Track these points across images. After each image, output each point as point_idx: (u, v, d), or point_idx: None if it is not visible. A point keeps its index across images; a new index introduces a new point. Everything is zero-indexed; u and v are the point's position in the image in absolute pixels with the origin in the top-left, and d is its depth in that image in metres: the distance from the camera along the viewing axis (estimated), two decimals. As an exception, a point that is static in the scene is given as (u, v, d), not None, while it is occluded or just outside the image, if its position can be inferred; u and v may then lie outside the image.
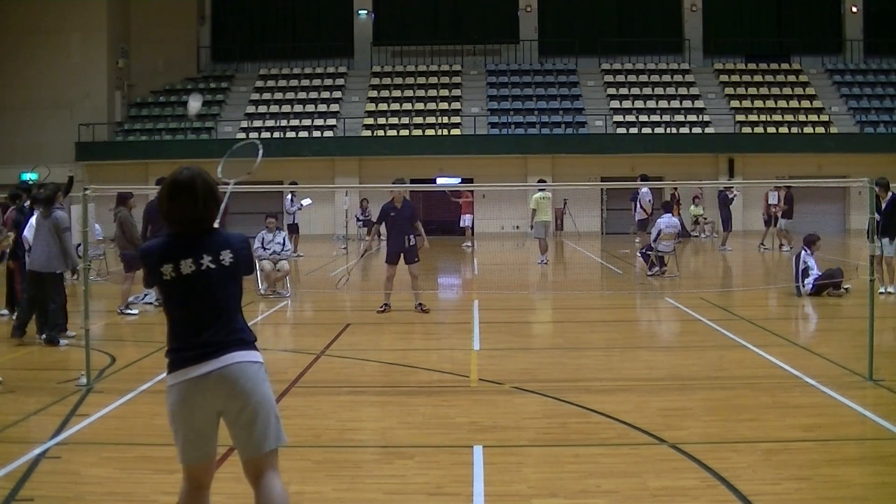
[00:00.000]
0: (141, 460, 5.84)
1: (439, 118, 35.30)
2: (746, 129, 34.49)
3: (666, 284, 16.32)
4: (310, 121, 35.32)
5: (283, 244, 14.95)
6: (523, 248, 25.63)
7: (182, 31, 38.55)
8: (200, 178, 3.94)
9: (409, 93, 36.63)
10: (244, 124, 35.21)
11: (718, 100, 36.35)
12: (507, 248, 27.72)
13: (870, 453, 6.12)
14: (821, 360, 9.00)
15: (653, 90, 36.44)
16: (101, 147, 33.69)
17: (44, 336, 10.20)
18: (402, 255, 12.72)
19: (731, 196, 24.92)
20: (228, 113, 36.41)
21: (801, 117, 34.65)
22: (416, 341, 11.02)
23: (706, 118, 34.93)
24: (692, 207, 30.94)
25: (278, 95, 37.15)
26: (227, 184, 5.14)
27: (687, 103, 35.68)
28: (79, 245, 13.53)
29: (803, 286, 14.09)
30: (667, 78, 37.28)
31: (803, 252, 14.37)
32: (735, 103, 35.72)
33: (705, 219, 30.65)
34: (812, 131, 34.08)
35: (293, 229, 22.98)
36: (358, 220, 30.14)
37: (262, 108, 36.36)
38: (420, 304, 12.77)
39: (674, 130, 34.36)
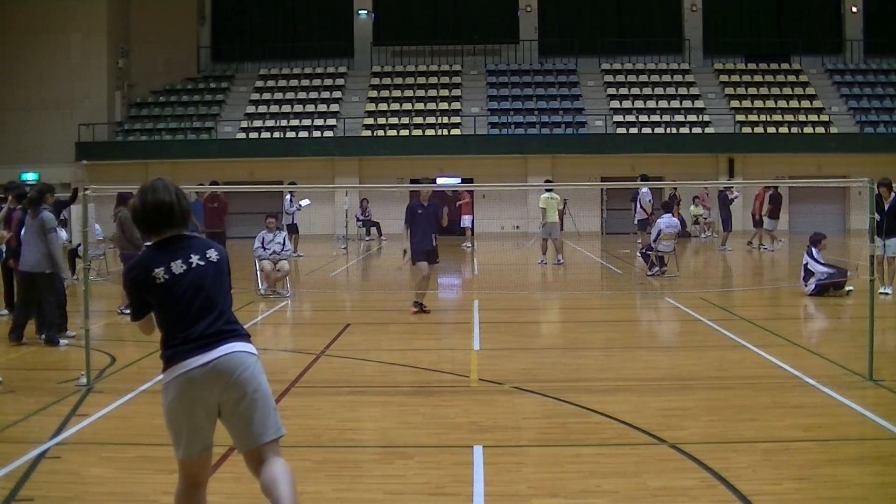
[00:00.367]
0: (141, 460, 5.84)
1: (439, 118, 35.29)
2: (746, 129, 34.48)
3: (666, 284, 16.32)
4: (310, 121, 35.31)
5: (283, 244, 14.94)
6: (524, 248, 25.64)
7: (182, 31, 38.53)
8: (171, 183, 4.22)
9: (409, 93, 36.61)
10: (244, 124, 35.21)
11: (718, 100, 36.35)
12: (507, 248, 27.72)
13: (870, 453, 6.12)
14: (821, 360, 9.00)
15: (653, 90, 36.42)
16: (101, 147, 33.68)
17: (43, 336, 10.20)
18: (427, 254, 12.52)
19: (731, 196, 24.93)
20: (228, 113, 36.41)
21: (801, 117, 34.64)
22: (416, 341, 11.01)
23: (706, 118, 34.93)
24: (692, 207, 30.94)
25: (278, 95, 37.14)
26: None
27: (687, 103, 35.68)
28: (79, 245, 13.56)
29: (805, 286, 14.07)
30: (667, 78, 37.27)
31: (807, 251, 14.30)
32: (735, 103, 35.71)
33: (705, 219, 30.65)
34: (812, 131, 34.07)
35: (292, 229, 22.98)
36: (358, 220, 30.13)
37: (262, 108, 36.35)
38: (420, 304, 12.74)
39: (674, 130, 34.36)
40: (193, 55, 39.06)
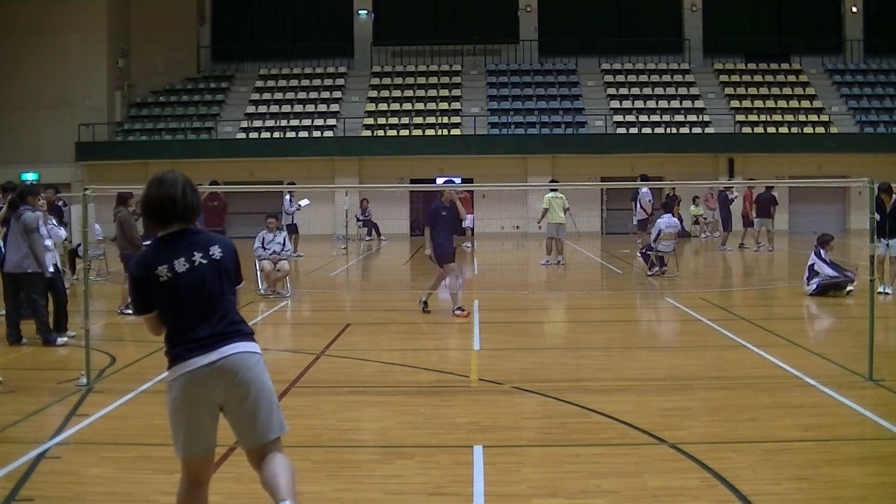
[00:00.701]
0: (141, 460, 5.84)
1: (439, 118, 35.29)
2: (746, 129, 34.48)
3: (666, 284, 16.32)
4: (310, 121, 35.31)
5: (283, 244, 14.94)
6: (524, 248, 25.63)
7: (182, 31, 38.54)
8: (181, 175, 4.17)
9: (409, 93, 36.61)
10: (244, 124, 35.22)
11: (718, 100, 36.35)
12: (507, 248, 27.72)
13: (870, 453, 6.12)
14: (821, 360, 9.00)
15: (653, 90, 36.42)
16: (101, 147, 33.68)
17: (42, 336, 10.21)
18: (452, 255, 12.52)
19: (731, 197, 24.94)
20: (228, 113, 36.41)
21: (801, 117, 34.64)
22: (416, 341, 11.02)
23: (706, 118, 34.92)
24: (692, 207, 30.94)
25: (278, 95, 37.14)
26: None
27: (687, 103, 35.67)
28: (79, 245, 13.55)
29: (807, 285, 14.05)
30: (667, 78, 37.27)
31: (815, 252, 14.24)
32: (735, 103, 35.71)
33: (705, 219, 30.63)
34: (812, 131, 34.06)
35: (292, 229, 22.97)
36: (358, 220, 30.12)
37: (262, 108, 36.35)
38: (424, 303, 12.78)
39: (674, 130, 34.35)
40: (193, 55, 39.06)
